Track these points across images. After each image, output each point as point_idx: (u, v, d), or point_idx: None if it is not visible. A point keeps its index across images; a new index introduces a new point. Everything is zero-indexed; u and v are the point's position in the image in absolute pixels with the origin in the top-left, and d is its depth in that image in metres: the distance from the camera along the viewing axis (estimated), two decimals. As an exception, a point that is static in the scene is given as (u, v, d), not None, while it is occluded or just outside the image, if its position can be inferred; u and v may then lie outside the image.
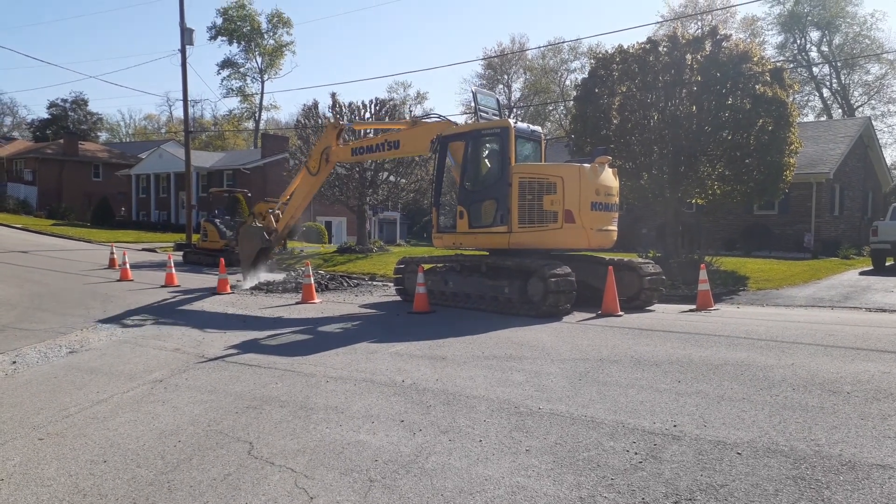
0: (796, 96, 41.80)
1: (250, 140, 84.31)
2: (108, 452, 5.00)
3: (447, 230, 12.17)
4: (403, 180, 27.77)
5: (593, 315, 10.44)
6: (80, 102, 73.15)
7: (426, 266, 12.89)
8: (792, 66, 46.79)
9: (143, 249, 29.72)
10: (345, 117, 25.58)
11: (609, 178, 11.41)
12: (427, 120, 13.03)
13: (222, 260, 15.22)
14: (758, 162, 15.39)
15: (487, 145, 11.86)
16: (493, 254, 11.95)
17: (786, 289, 13.91)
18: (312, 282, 13.50)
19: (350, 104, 26.08)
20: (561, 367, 7.05)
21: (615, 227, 11.59)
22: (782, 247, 24.28)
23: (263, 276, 16.24)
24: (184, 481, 4.48)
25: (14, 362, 8.03)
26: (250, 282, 15.96)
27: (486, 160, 12.01)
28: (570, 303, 10.48)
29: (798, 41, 48.77)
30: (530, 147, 12.12)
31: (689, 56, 15.82)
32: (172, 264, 16.43)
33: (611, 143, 16.40)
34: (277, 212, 16.04)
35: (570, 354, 7.63)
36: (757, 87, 15.26)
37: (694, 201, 17.40)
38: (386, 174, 27.58)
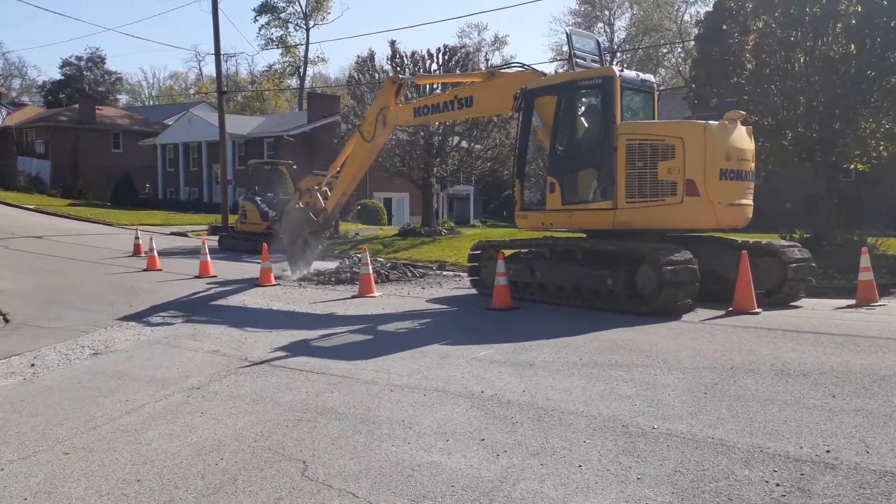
0: None
1: (294, 101, 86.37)
2: (142, 470, 5.32)
3: (534, 207, 12.21)
4: (478, 146, 27.88)
5: (721, 312, 10.25)
6: (96, 60, 77.03)
7: (507, 252, 12.96)
8: None
9: (173, 233, 31.14)
10: (406, 70, 25.90)
11: (742, 138, 11.13)
12: (507, 70, 13.04)
13: (265, 245, 15.77)
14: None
15: (585, 100, 11.78)
16: (592, 236, 11.89)
17: (983, 279, 13.15)
18: (371, 271, 13.82)
19: (412, 54, 26.41)
20: (681, 377, 6.98)
21: (750, 201, 11.31)
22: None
23: (312, 265, 16.76)
24: (229, 504, 4.73)
25: (33, 365, 8.66)
26: (298, 272, 16.45)
27: (584, 119, 11.92)
28: (692, 297, 10.32)
29: None
30: (640, 100, 11.97)
31: (847, -22, 15.12)
32: (207, 251, 17.17)
33: (743, 94, 15.93)
34: (325, 188, 16.46)
35: (693, 362, 7.54)
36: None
37: (853, 166, 16.72)
38: (457, 139, 27.76)
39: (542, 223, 11.98)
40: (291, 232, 16.32)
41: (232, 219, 29.36)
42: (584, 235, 12.23)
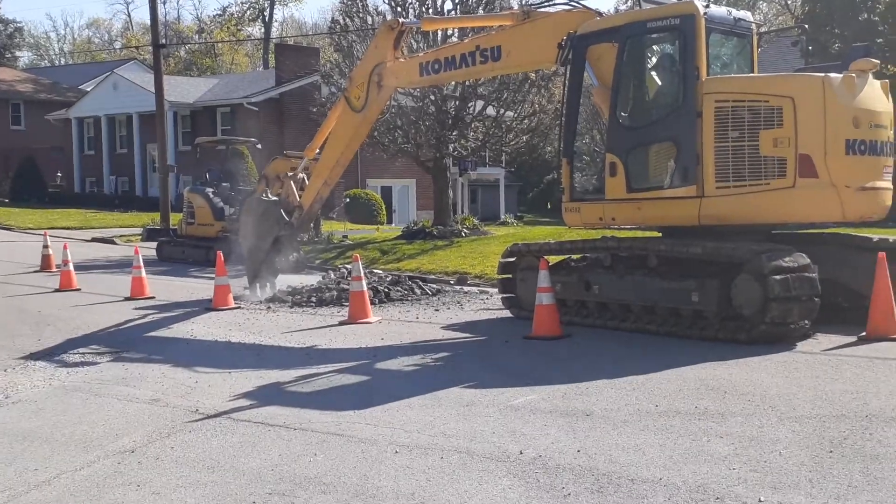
0: None
1: (257, 56, 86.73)
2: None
3: (588, 197, 12.19)
4: (510, 114, 27.90)
5: (852, 339, 10.18)
6: (-13, 5, 77.96)
7: (553, 259, 12.96)
8: None
9: (95, 240, 31.42)
10: (409, 11, 26.01)
11: (876, 96, 11.06)
12: (549, 9, 13.03)
13: (220, 254, 15.84)
14: None
15: (657, 48, 11.77)
16: (669, 235, 11.87)
17: None
18: (365, 288, 13.84)
19: (419, -11, 26.48)
20: (796, 429, 6.94)
21: (890, 184, 11.24)
22: None
23: (284, 279, 16.82)
24: None
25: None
26: (264, 290, 16.56)
27: (656, 74, 11.92)
28: (810, 318, 10.27)
29: None
30: (733, 47, 11.94)
31: None
32: (141, 263, 17.27)
33: (877, 37, 15.81)
34: (302, 175, 16.54)
35: (813, 408, 7.49)
36: None
37: None
38: (480, 105, 27.81)
39: (601, 219, 11.98)
40: (255, 233, 16.38)
41: (175, 219, 29.52)
42: (659, 235, 12.21)
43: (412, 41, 14.79)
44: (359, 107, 14.80)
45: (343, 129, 15.30)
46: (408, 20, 15.21)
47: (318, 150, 16.08)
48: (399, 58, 14.61)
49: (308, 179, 16.19)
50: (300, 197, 16.02)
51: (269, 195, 16.56)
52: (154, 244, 26.18)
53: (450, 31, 23.66)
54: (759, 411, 7.44)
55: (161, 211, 31.99)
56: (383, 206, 41.69)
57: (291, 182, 16.32)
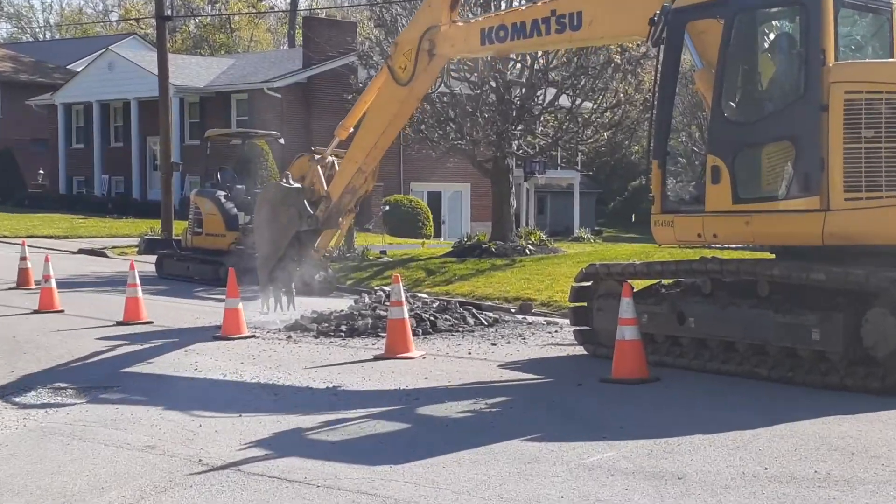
0: None
1: (281, 31, 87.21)
2: None
3: (685, 208, 12.17)
4: (589, 104, 27.75)
5: None
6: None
7: (638, 284, 12.92)
8: None
9: (83, 251, 31.80)
10: (470, -28, 26.14)
11: None
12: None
13: (232, 272, 15.95)
14: None
15: (773, 24, 11.73)
16: (784, 257, 11.79)
17: None
18: (406, 316, 13.83)
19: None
20: (941, 502, 6.81)
21: None
22: None
23: (309, 303, 16.87)
24: None
25: None
26: (280, 308, 16.69)
27: (771, 56, 11.86)
28: (961, 363, 10.07)
29: None
30: (867, 26, 11.86)
31: None
32: (137, 280, 17.39)
33: None
34: (332, 159, 16.65)
35: (963, 476, 7.34)
36: None
37: None
38: (551, 93, 27.73)
39: (699, 235, 11.91)
40: (271, 228, 16.45)
41: (179, 227, 29.82)
42: (772, 256, 12.14)
43: (472, 9, 14.82)
44: (405, 79, 14.84)
45: (384, 105, 15.36)
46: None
47: (352, 130, 16.17)
48: (456, 21, 14.67)
49: (338, 165, 16.29)
50: (328, 186, 16.12)
51: (292, 181, 16.61)
52: (153, 258, 26.40)
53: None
54: (895, 478, 7.33)
55: (162, 218, 32.31)
56: (430, 216, 41.79)
57: (318, 167, 16.40)
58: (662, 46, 12.01)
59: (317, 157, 16.80)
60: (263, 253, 16.72)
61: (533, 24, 13.48)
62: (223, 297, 15.95)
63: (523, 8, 14.42)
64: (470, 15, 15.25)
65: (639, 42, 18.59)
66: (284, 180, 16.71)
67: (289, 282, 16.66)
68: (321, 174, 16.26)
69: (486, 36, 14.08)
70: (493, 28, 14.01)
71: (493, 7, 24.07)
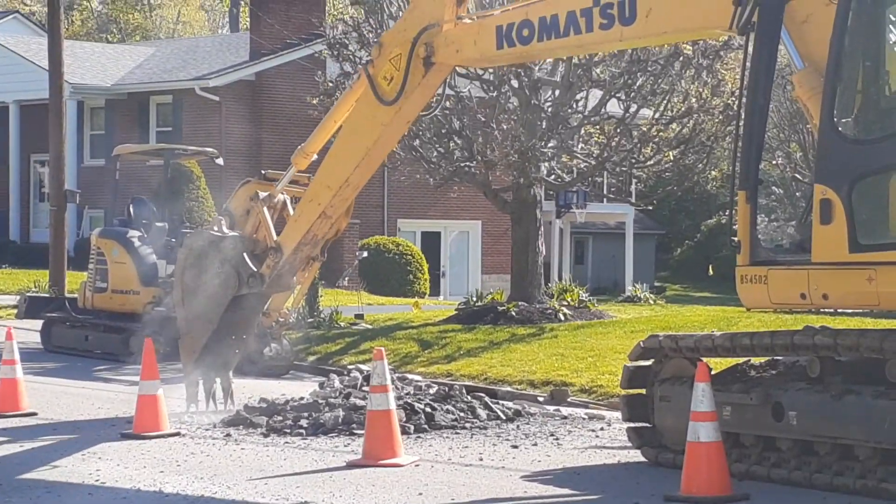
0: None
1: (219, 11, 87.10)
2: None
3: (783, 257, 12.25)
4: (649, 111, 27.78)
5: None
6: None
7: (717, 364, 13.01)
8: None
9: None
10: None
11: None
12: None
13: (149, 343, 15.91)
14: None
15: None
16: (921, 327, 11.69)
17: None
18: (393, 406, 13.75)
19: None
20: None
21: None
22: None
23: (256, 387, 16.78)
24: None
25: None
26: (213, 404, 16.72)
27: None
28: None
29: None
30: None
31: None
32: (16, 354, 17.36)
33: None
34: (283, 197, 16.83)
35: None
36: None
37: None
38: (597, 95, 27.71)
39: (804, 296, 11.83)
40: (199, 291, 16.44)
41: (75, 280, 29.80)
42: (903, 325, 12.07)
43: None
44: (390, 95, 14.85)
45: (361, 128, 15.38)
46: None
47: (315, 157, 16.20)
48: (463, 18, 14.70)
49: (293, 206, 16.31)
50: (278, 234, 16.13)
51: (226, 229, 16.64)
52: (38, 323, 26.41)
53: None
54: None
55: (51, 268, 32.30)
56: (425, 266, 41.88)
57: (265, 208, 16.42)
58: (752, 34, 12.05)
59: (262, 194, 16.78)
60: (189, 328, 16.67)
61: (569, 18, 13.43)
62: (136, 378, 15.91)
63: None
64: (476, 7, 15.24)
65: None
66: (216, 227, 16.73)
67: (225, 367, 16.63)
68: (269, 218, 16.27)
69: (504, 36, 14.02)
70: (515, 25, 13.94)
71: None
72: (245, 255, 15.92)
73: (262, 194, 16.71)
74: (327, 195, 15.48)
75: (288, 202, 16.56)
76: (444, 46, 14.51)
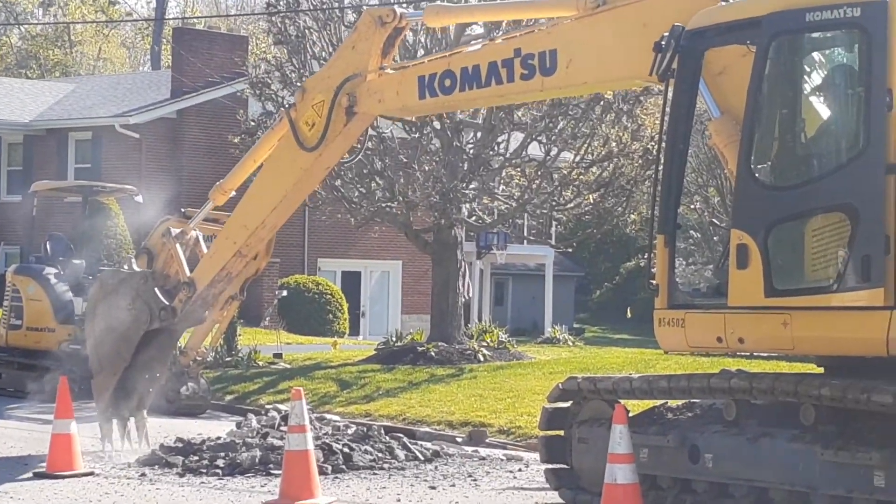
0: None
1: (141, 48, 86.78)
2: None
3: (700, 301, 12.30)
4: (569, 155, 27.89)
5: None
6: None
7: (635, 406, 13.20)
8: None
9: None
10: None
11: None
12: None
13: (64, 381, 15.81)
14: None
15: (822, 55, 11.89)
16: (835, 371, 11.85)
17: None
18: (311, 446, 13.71)
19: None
20: None
21: None
22: None
23: (171, 426, 16.69)
24: None
25: None
26: (127, 442, 16.64)
27: (819, 98, 12.01)
28: None
29: None
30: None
31: None
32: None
33: None
34: (196, 233, 16.89)
35: None
36: None
37: None
38: (518, 138, 27.79)
39: (720, 339, 11.91)
40: (110, 328, 16.36)
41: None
42: (820, 370, 12.18)
43: (406, 43, 14.86)
44: (312, 142, 14.90)
45: (281, 170, 15.43)
46: (410, 12, 15.33)
47: (234, 194, 16.21)
48: (386, 68, 14.77)
49: (206, 244, 16.31)
50: (191, 271, 16.10)
51: (136, 267, 16.59)
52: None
53: (471, 27, 23.98)
54: None
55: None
56: (345, 306, 41.77)
57: (177, 244, 16.39)
58: (671, 81, 12.16)
59: (175, 230, 16.75)
60: (101, 365, 16.58)
61: (490, 69, 13.56)
62: (50, 417, 15.79)
63: (477, 47, 14.50)
64: (413, 45, 15.28)
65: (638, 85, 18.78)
66: (127, 266, 16.71)
67: (139, 405, 16.55)
68: (182, 254, 16.24)
69: (426, 86, 14.13)
70: (437, 76, 14.06)
71: (430, 48, 24.24)
72: (155, 289, 15.89)
73: (175, 231, 16.67)
74: (243, 234, 15.49)
75: (201, 238, 16.55)
76: (367, 96, 14.57)
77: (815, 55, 11.98)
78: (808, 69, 11.97)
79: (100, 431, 16.54)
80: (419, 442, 17.15)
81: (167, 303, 15.80)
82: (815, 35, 11.77)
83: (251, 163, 16.03)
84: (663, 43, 12.02)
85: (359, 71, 14.57)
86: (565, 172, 27.77)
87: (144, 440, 16.56)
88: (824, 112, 11.94)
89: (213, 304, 16.56)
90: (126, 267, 16.65)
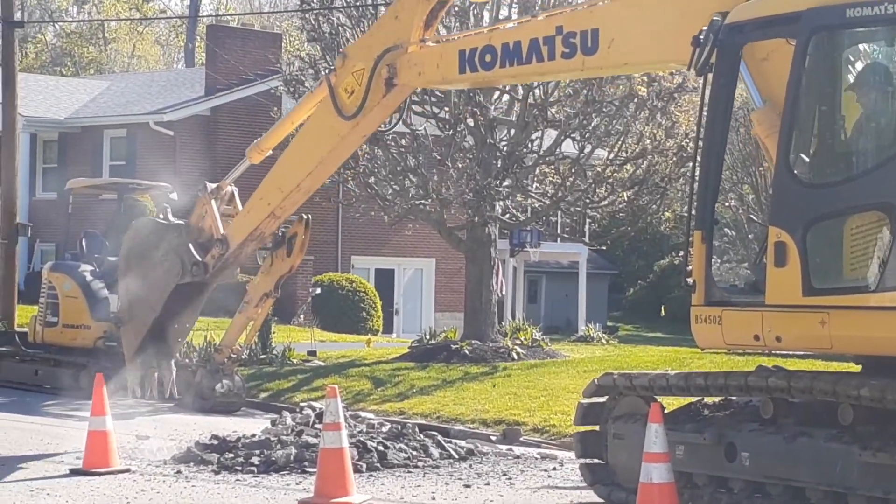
0: None
1: (176, 45, 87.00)
2: None
3: (737, 298, 12.23)
4: (603, 152, 27.77)
5: None
6: None
7: (671, 403, 13.05)
8: None
9: None
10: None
11: None
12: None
13: (100, 379, 15.80)
14: None
15: (864, 49, 11.84)
16: (875, 370, 11.73)
17: None
18: (346, 444, 13.67)
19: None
20: None
21: None
22: None
23: (207, 423, 16.69)
24: None
25: None
26: (152, 392, 17.01)
27: (859, 94, 11.86)
28: None
29: None
30: None
31: None
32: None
33: None
34: (232, 188, 17.28)
35: None
36: None
37: None
38: (552, 135, 27.71)
39: (758, 337, 11.84)
40: (142, 278, 16.36)
41: (25, 314, 29.58)
42: (858, 369, 12.14)
43: (451, 19, 14.83)
44: (350, 109, 14.91)
45: (318, 136, 15.46)
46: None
47: (270, 153, 16.23)
48: (428, 41, 14.72)
49: (240, 202, 16.35)
50: (225, 227, 16.11)
51: (171, 217, 16.58)
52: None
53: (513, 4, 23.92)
54: None
55: (1, 301, 31.99)
56: (378, 304, 41.73)
57: (213, 201, 16.37)
58: (710, 76, 12.08)
59: (210, 186, 16.76)
60: (131, 315, 16.59)
61: (532, 46, 13.53)
62: (86, 414, 15.77)
63: (518, 23, 14.47)
64: (443, 30, 15.20)
65: (674, 71, 18.64)
66: (162, 215, 16.69)
67: (167, 355, 16.55)
68: (216, 209, 16.24)
69: (466, 61, 14.10)
70: (478, 50, 14.04)
71: (473, 21, 24.16)
72: (189, 244, 15.91)
73: (210, 186, 16.69)
74: (278, 197, 15.53)
75: (236, 194, 16.55)
76: (407, 68, 14.57)
77: (855, 51, 11.88)
78: (847, 65, 11.88)
79: (127, 386, 16.53)
80: (453, 440, 17.13)
81: (200, 258, 15.81)
82: (856, 31, 11.69)
83: (289, 123, 16.09)
84: (701, 37, 11.97)
85: (400, 42, 14.56)
86: (599, 170, 27.66)
87: (172, 390, 16.53)
88: (864, 109, 11.82)
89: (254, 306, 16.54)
90: (161, 217, 16.61)
